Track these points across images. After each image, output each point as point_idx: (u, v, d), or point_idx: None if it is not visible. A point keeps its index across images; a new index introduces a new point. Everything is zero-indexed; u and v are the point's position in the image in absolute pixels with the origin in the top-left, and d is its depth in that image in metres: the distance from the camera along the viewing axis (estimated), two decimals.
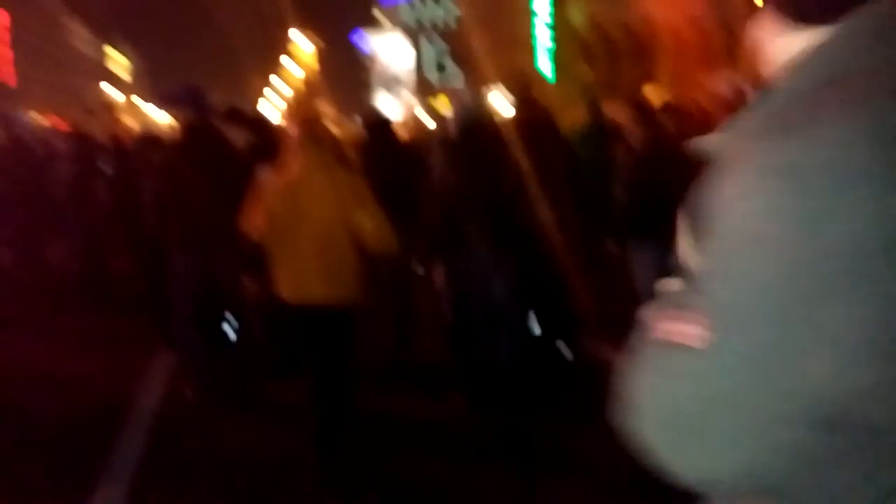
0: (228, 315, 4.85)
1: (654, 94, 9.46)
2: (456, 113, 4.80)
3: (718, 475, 0.81)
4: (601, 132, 6.72)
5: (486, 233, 4.27)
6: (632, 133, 5.11)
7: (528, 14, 70.77)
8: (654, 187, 4.51)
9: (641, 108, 5.30)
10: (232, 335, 4.83)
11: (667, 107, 11.37)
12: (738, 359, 0.75)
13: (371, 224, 3.68)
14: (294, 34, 58.14)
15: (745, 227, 0.76)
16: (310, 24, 59.84)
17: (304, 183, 3.70)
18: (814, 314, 0.72)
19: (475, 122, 4.55)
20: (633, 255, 4.96)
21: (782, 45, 0.88)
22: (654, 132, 4.93)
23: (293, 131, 3.92)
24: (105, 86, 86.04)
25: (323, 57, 66.79)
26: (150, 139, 5.93)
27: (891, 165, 0.71)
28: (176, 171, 4.67)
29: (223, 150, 4.89)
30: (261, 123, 5.67)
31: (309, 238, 3.64)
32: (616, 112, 6.73)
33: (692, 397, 0.78)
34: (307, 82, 59.62)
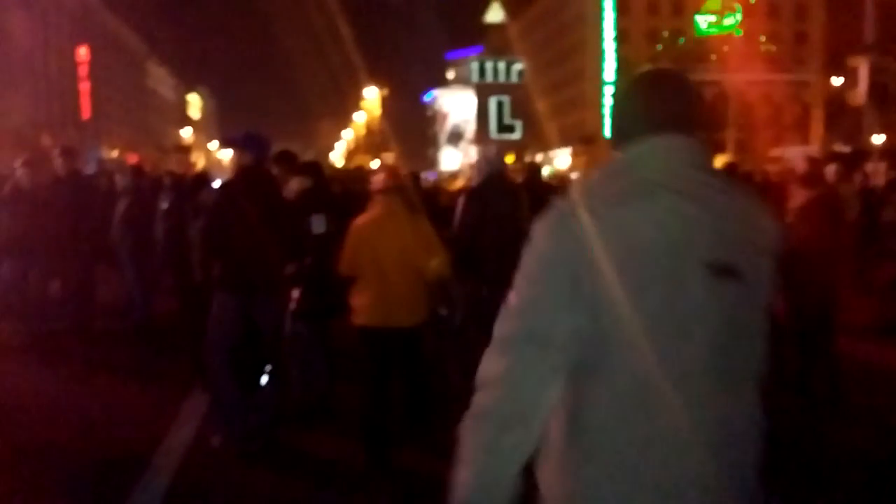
0: (266, 362, 4.69)
1: (718, 162, 9.15)
2: (479, 165, 5.40)
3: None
4: None
5: (492, 276, 4.72)
6: None
7: (594, 76, 71.06)
8: None
9: None
10: (265, 381, 4.66)
11: (731, 167, 11.04)
12: (518, 313, 1.44)
13: (433, 259, 4.30)
14: (367, 91, 59.61)
15: (532, 248, 1.48)
16: (382, 80, 61.25)
17: (383, 225, 4.33)
18: (552, 297, 1.42)
19: (494, 175, 5.16)
20: None
21: (612, 156, 1.58)
22: None
23: (377, 182, 4.44)
24: (181, 127, 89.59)
25: (393, 112, 68.25)
26: (202, 178, 5.93)
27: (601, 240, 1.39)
28: (222, 212, 4.61)
29: (272, 194, 4.83)
30: (314, 169, 5.60)
31: (394, 272, 4.24)
32: None
33: (507, 336, 1.45)
34: (373, 134, 60.86)
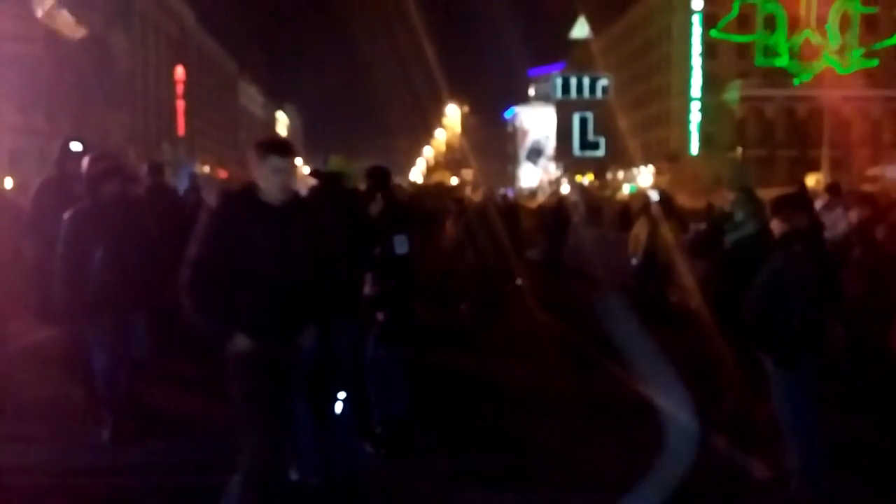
0: (340, 388, 4.47)
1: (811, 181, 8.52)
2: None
3: None
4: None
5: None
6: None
7: (680, 92, 69.35)
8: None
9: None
10: (339, 409, 4.42)
11: (835, 187, 10.32)
12: None
13: None
14: (448, 108, 60.01)
15: None
16: (463, 98, 61.59)
17: None
18: None
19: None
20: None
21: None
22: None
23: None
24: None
25: (473, 128, 68.48)
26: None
27: None
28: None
29: (354, 211, 4.66)
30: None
31: None
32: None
33: None
34: (453, 151, 61.19)
